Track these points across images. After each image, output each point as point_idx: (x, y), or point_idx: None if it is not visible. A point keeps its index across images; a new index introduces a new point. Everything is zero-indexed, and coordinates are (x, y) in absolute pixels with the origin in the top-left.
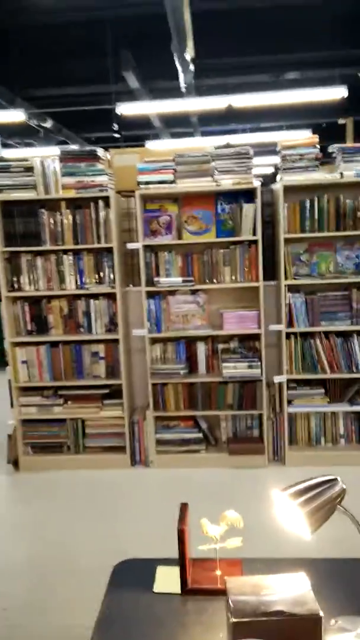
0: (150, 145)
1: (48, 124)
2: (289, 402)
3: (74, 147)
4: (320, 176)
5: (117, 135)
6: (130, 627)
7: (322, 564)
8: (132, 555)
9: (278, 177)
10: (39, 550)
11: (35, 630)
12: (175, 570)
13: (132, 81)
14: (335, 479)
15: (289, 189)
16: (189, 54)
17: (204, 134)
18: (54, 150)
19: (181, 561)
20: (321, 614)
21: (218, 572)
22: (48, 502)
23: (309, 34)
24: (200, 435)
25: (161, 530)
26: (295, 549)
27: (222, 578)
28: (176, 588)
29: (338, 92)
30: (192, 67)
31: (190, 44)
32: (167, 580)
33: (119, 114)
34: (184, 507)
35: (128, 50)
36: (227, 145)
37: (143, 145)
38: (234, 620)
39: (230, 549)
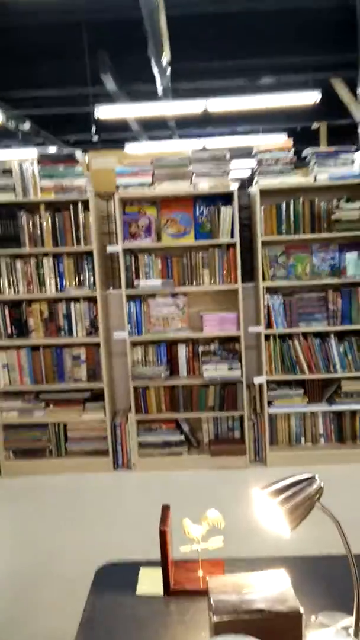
0: (129, 148)
1: (26, 126)
2: (269, 402)
3: (52, 148)
4: (295, 180)
5: (95, 138)
6: (113, 629)
7: (301, 561)
8: (116, 558)
9: (254, 181)
10: (21, 555)
11: (18, 637)
12: (158, 572)
13: (110, 84)
14: (313, 477)
15: (265, 193)
16: (165, 58)
17: (182, 137)
18: (32, 153)
19: (163, 563)
20: (302, 610)
21: (200, 573)
22: (30, 507)
23: (283, 40)
24: (182, 437)
25: (144, 532)
26: (276, 548)
27: (204, 578)
28: (159, 590)
29: (311, 97)
30: (168, 71)
31: (166, 48)
32: (149, 582)
33: (97, 117)
34: (165, 509)
35: (105, 53)
36: (204, 149)
37: (122, 148)
38: (216, 619)
39: (212, 550)
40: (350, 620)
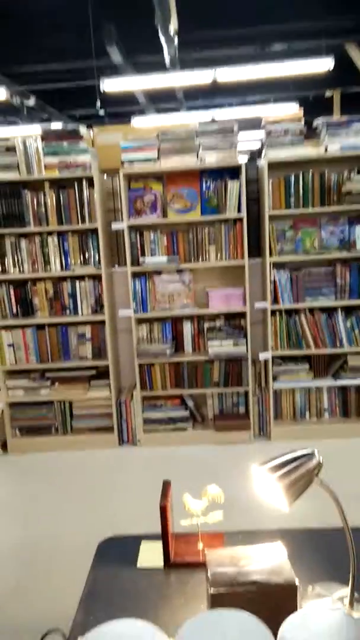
0: (136, 121)
1: (31, 101)
2: (274, 378)
3: (57, 124)
4: (305, 151)
5: (101, 112)
6: (114, 601)
7: (300, 534)
8: (120, 532)
9: (262, 154)
10: (28, 531)
11: (23, 610)
12: (159, 545)
13: (116, 55)
14: (312, 452)
15: (273, 165)
16: (172, 27)
17: (190, 109)
18: (37, 129)
19: (164, 536)
20: (297, 582)
21: (200, 546)
22: (36, 483)
23: (294, 4)
24: (187, 413)
25: (148, 507)
26: (278, 520)
27: (204, 551)
28: (159, 562)
29: (324, 64)
30: (176, 40)
31: (173, 17)
32: (150, 555)
33: (103, 90)
34: (166, 485)
35: (111, 24)
36: (213, 121)
37: (129, 122)
38: (213, 590)
39: (213, 523)
40: (346, 591)
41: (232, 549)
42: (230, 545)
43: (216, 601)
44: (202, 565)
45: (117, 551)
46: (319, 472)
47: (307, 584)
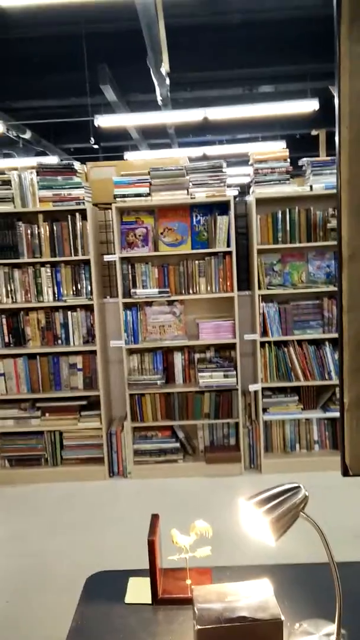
0: (129, 156)
1: (27, 135)
2: (264, 410)
3: (53, 158)
4: (291, 189)
5: (95, 146)
6: (102, 637)
7: (288, 569)
8: (109, 566)
9: (251, 190)
10: (16, 564)
11: None
12: (147, 581)
13: (110, 94)
14: (298, 486)
15: (261, 201)
16: (164, 68)
17: (182, 144)
18: (33, 161)
19: (152, 572)
20: (282, 618)
21: (188, 581)
22: (26, 516)
23: (280, 49)
24: (178, 444)
25: (137, 540)
26: (268, 554)
27: (192, 587)
28: (147, 598)
29: (310, 105)
30: (167, 80)
31: (165, 58)
32: (138, 591)
33: (97, 125)
34: (154, 519)
35: (105, 64)
36: (204, 156)
37: (122, 156)
38: (199, 627)
39: (200, 558)
40: (332, 628)
41: (220, 585)
42: (219, 580)
43: (202, 638)
44: (190, 601)
45: (105, 586)
46: (305, 507)
47: (294, 621)
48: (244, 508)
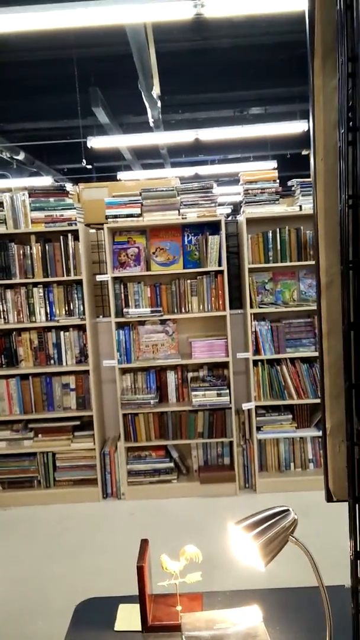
0: (122, 176)
1: (20, 156)
2: (258, 428)
3: (46, 179)
4: (281, 209)
5: (89, 167)
6: None
7: (280, 594)
8: (101, 591)
9: (241, 210)
10: (8, 589)
11: None
12: (137, 608)
13: (102, 116)
14: (288, 510)
15: (252, 221)
16: (155, 92)
17: (174, 164)
18: (27, 182)
19: (141, 598)
20: None
21: (179, 608)
22: (18, 539)
23: (269, 72)
24: (172, 464)
25: (130, 565)
26: (260, 579)
27: (180, 614)
28: (137, 625)
29: (299, 126)
30: (159, 103)
31: (156, 82)
32: (128, 618)
33: (90, 147)
34: (144, 544)
35: (97, 87)
36: (196, 176)
37: (115, 176)
38: None
39: (192, 583)
40: None
41: (209, 612)
42: (209, 606)
43: None
44: (179, 628)
45: (94, 613)
46: (294, 530)
47: None
48: (234, 532)
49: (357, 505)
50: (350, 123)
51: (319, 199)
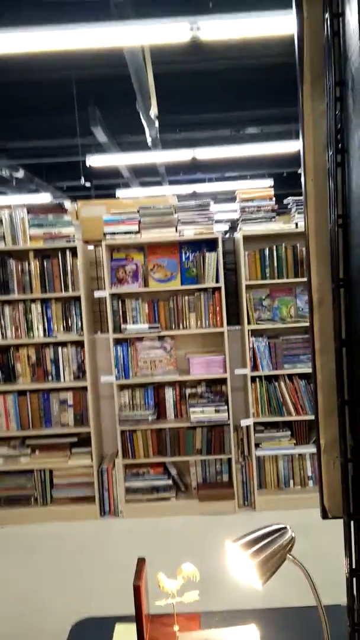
0: (121, 193)
1: (20, 174)
2: (257, 445)
3: (45, 196)
4: (277, 226)
5: (87, 185)
6: None
7: (278, 613)
8: (99, 611)
9: (238, 227)
10: (3, 608)
11: None
12: (134, 628)
13: (101, 135)
14: (285, 528)
15: (248, 238)
16: (153, 112)
17: (172, 182)
18: (26, 199)
19: (138, 618)
20: None
21: (176, 628)
22: (14, 558)
23: (265, 93)
24: (170, 481)
25: (127, 584)
26: (259, 598)
27: (178, 634)
28: None
29: (294, 146)
30: (156, 123)
31: (154, 102)
32: (125, 638)
33: (88, 165)
34: (140, 563)
35: (95, 106)
36: (194, 194)
37: (114, 194)
38: None
39: (188, 603)
40: None
41: (206, 632)
42: (207, 626)
43: None
44: None
45: (91, 634)
46: (292, 548)
47: None
48: (231, 551)
49: (352, 522)
50: (339, 145)
51: (310, 218)
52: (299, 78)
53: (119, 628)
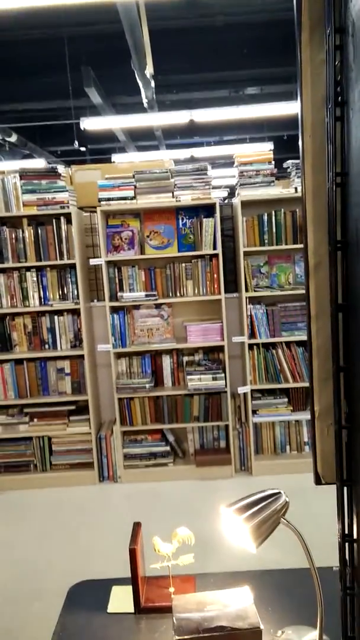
0: (116, 158)
1: (13, 138)
2: (254, 412)
3: (39, 161)
4: (276, 191)
5: (82, 149)
6: None
7: (273, 575)
8: (97, 573)
9: (236, 192)
10: (3, 572)
11: None
12: (130, 590)
13: (95, 97)
14: (279, 492)
15: (246, 204)
16: (148, 71)
17: (169, 146)
18: (19, 165)
19: (134, 581)
20: (261, 626)
21: (171, 589)
22: (14, 522)
23: (266, 51)
24: (168, 448)
25: (125, 547)
26: (254, 560)
27: (172, 596)
28: (130, 607)
29: (296, 107)
30: (152, 83)
31: (149, 61)
32: (121, 600)
33: (83, 128)
34: (136, 527)
35: (89, 66)
36: (192, 158)
37: (109, 159)
38: (177, 638)
39: (185, 565)
40: (315, 634)
41: (200, 594)
42: (202, 588)
43: None
44: (172, 610)
45: (88, 596)
46: (286, 513)
47: (277, 628)
48: (225, 515)
49: (344, 488)
50: (339, 97)
51: (307, 178)
52: (296, 26)
53: (116, 590)
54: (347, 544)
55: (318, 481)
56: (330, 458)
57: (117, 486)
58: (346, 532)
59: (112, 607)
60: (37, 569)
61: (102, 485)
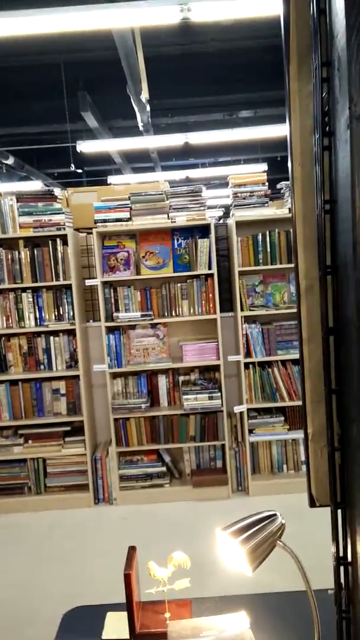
0: (113, 179)
1: (10, 160)
2: (250, 431)
3: (36, 183)
4: (270, 212)
5: (79, 171)
6: None
7: (269, 598)
8: (92, 599)
9: (231, 213)
10: None
11: None
12: (125, 616)
13: (91, 120)
14: (275, 514)
15: (241, 224)
16: (144, 96)
17: (165, 168)
18: (16, 187)
19: (129, 606)
20: None
21: (167, 615)
22: (8, 546)
23: (258, 75)
24: (164, 468)
25: (120, 572)
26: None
27: (167, 622)
28: (125, 633)
29: (287, 129)
30: (148, 107)
31: (145, 86)
32: (116, 626)
33: (79, 151)
34: (131, 551)
35: (85, 91)
36: (187, 179)
37: (106, 180)
38: None
39: (181, 589)
40: None
41: (196, 620)
42: (198, 612)
43: None
44: (167, 636)
45: (82, 622)
46: (282, 535)
47: None
48: (221, 538)
49: (338, 511)
50: (326, 128)
51: (297, 203)
52: (285, 59)
53: (111, 616)
54: (341, 567)
55: (312, 504)
56: (324, 480)
57: (112, 508)
58: (341, 554)
59: (106, 634)
60: (31, 594)
61: (97, 508)
